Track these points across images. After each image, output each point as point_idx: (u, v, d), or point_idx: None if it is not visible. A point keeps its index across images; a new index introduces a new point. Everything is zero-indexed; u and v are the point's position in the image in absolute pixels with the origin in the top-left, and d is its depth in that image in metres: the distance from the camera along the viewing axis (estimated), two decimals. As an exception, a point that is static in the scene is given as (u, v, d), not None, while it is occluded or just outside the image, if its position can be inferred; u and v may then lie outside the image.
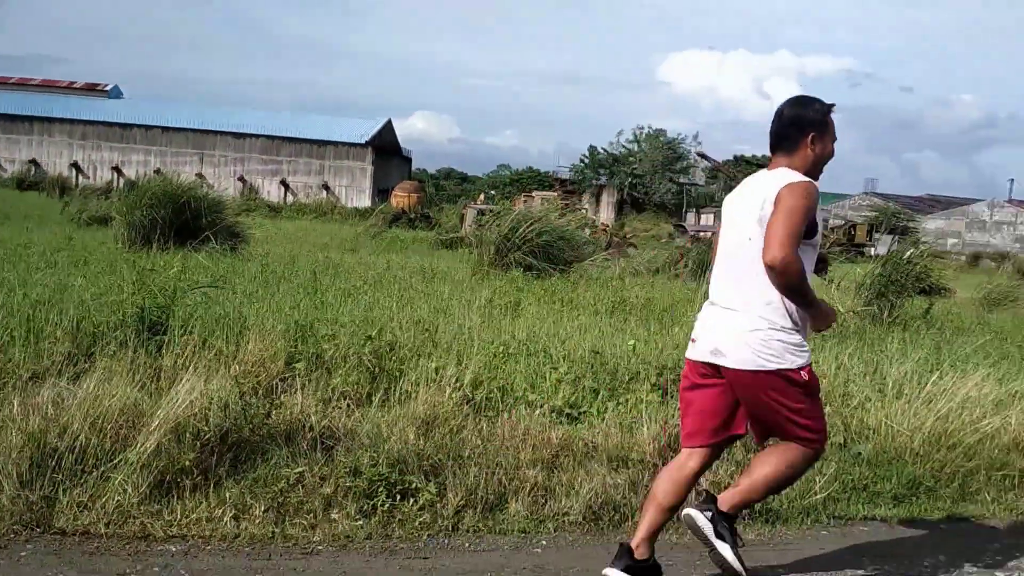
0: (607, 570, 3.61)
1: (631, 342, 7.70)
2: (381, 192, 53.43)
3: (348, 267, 13.27)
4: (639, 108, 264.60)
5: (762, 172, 3.71)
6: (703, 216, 53.32)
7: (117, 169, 54.63)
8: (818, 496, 4.96)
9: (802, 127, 3.61)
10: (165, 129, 56.38)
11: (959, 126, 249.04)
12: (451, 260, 16.95)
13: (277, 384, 5.38)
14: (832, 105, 3.69)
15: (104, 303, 6.28)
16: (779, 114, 3.68)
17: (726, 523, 3.67)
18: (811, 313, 3.60)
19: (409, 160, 67.13)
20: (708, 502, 3.73)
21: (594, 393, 5.97)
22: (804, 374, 3.55)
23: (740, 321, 3.54)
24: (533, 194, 36.08)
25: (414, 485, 4.39)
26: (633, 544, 3.63)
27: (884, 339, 9.67)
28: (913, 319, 12.13)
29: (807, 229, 3.48)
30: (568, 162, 76.20)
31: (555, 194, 32.88)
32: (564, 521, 4.45)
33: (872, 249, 43.04)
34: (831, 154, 3.72)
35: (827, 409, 5.98)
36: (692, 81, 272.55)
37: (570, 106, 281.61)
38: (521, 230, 14.50)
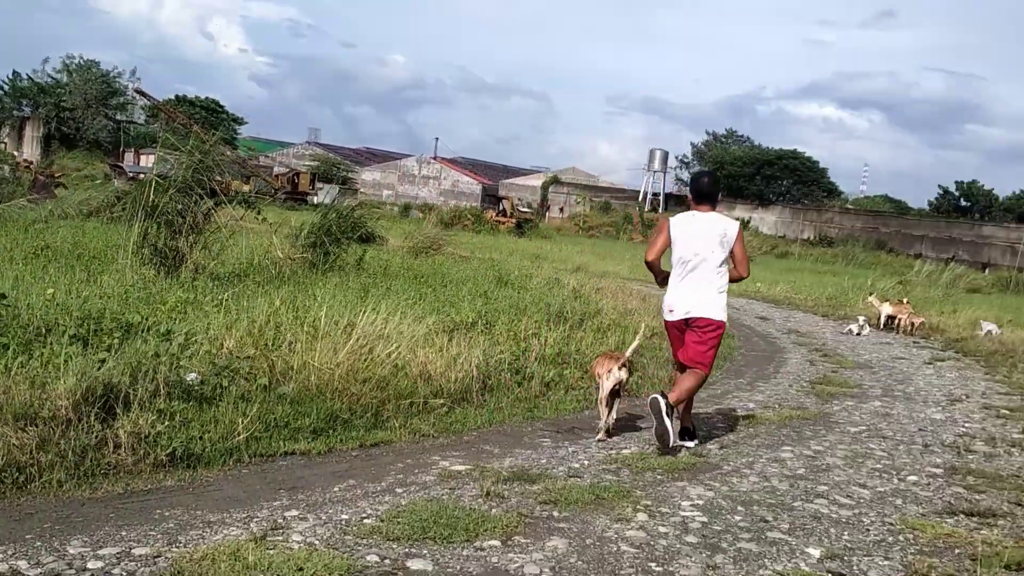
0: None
1: (50, 291, 7.18)
2: None
3: None
4: (70, 35, 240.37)
5: (700, 215, 6.23)
6: (143, 156, 50.78)
7: None
8: (241, 437, 5.11)
9: (717, 189, 6.55)
10: None
11: (393, 84, 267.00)
12: None
13: None
14: None
15: None
16: (701, 181, 6.39)
17: (672, 409, 5.99)
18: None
19: None
20: (663, 396, 5.94)
21: (2, 347, 5.45)
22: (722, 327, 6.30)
23: (707, 295, 6.16)
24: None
25: None
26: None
27: (317, 284, 10.22)
28: (348, 265, 12.97)
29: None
30: (-19, 89, 67.31)
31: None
32: (-44, 490, 4.02)
33: (315, 197, 44.73)
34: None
35: (254, 352, 6.23)
36: (130, 12, 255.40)
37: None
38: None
